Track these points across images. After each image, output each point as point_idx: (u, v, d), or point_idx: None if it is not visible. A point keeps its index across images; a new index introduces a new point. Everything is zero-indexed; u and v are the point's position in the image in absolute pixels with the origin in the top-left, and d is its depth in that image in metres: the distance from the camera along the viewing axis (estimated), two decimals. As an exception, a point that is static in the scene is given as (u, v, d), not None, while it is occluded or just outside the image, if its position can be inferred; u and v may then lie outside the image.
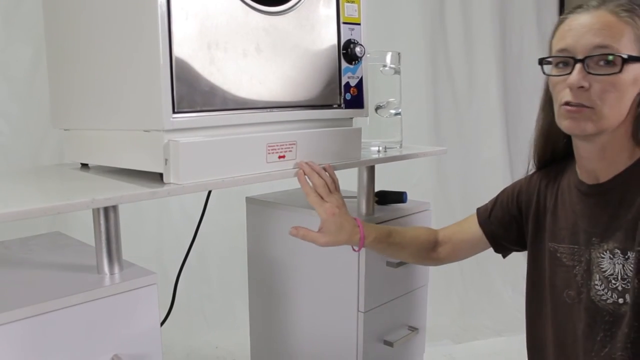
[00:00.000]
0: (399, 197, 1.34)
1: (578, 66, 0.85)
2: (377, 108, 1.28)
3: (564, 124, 0.88)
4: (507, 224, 1.10)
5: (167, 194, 0.84)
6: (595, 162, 0.91)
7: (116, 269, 0.87)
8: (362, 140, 1.21)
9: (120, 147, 0.96)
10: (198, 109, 0.87)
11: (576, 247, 0.94)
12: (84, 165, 1.11)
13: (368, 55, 1.12)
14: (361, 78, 1.11)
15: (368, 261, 1.20)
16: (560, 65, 0.89)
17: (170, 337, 2.05)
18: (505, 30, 2.78)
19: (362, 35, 1.11)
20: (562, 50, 0.88)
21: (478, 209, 1.16)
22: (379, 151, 1.28)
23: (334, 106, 1.08)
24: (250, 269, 1.48)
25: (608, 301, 0.88)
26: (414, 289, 1.34)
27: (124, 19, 0.87)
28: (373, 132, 1.29)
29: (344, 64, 1.08)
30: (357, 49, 1.08)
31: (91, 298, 0.80)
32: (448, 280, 2.58)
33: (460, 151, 2.70)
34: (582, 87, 0.84)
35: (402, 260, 1.22)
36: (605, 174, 0.90)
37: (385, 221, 1.25)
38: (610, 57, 0.83)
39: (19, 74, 1.85)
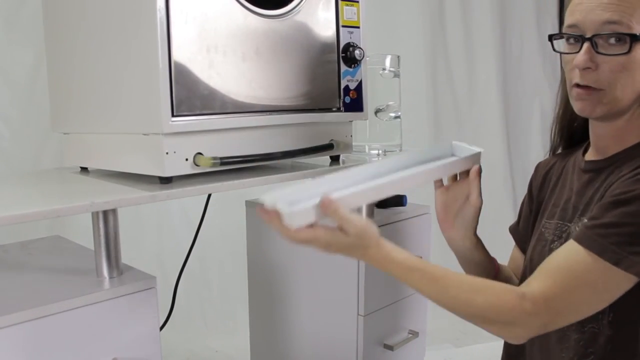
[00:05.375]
0: (398, 200, 1.34)
1: (586, 45, 0.79)
2: (377, 111, 1.28)
3: (576, 105, 0.83)
4: (530, 221, 1.02)
5: (167, 198, 0.84)
6: (607, 139, 0.86)
7: (115, 273, 0.87)
8: (362, 143, 1.22)
9: (119, 150, 0.96)
10: (197, 112, 0.87)
11: (561, 222, 0.90)
12: (84, 169, 1.11)
13: (367, 59, 1.12)
14: (360, 81, 1.11)
15: (368, 264, 1.20)
16: (572, 41, 0.82)
17: (169, 341, 2.04)
18: (505, 34, 2.78)
19: (362, 38, 1.11)
20: (571, 26, 0.81)
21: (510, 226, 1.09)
22: (378, 154, 1.28)
23: (334, 109, 1.08)
24: (250, 272, 1.48)
25: None
26: (414, 292, 1.34)
27: (123, 23, 0.88)
28: (373, 135, 1.29)
29: (344, 67, 1.08)
30: (357, 52, 1.08)
31: (90, 302, 0.80)
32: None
33: (460, 155, 2.70)
34: (589, 68, 0.79)
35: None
36: (612, 150, 0.85)
37: (386, 224, 1.25)
38: (618, 36, 0.76)
39: (19, 78, 1.85)
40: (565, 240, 0.85)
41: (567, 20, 0.82)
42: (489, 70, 2.73)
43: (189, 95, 0.86)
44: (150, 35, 0.82)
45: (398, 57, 1.30)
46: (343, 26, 1.08)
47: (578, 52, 0.80)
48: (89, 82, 0.98)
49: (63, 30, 1.04)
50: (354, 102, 1.10)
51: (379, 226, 1.22)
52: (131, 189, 0.86)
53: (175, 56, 0.83)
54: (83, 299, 0.79)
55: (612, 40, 0.77)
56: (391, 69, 1.29)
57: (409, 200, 1.36)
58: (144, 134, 0.88)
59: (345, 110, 1.09)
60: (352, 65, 1.09)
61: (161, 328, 0.93)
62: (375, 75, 1.26)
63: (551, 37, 0.86)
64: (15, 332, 0.74)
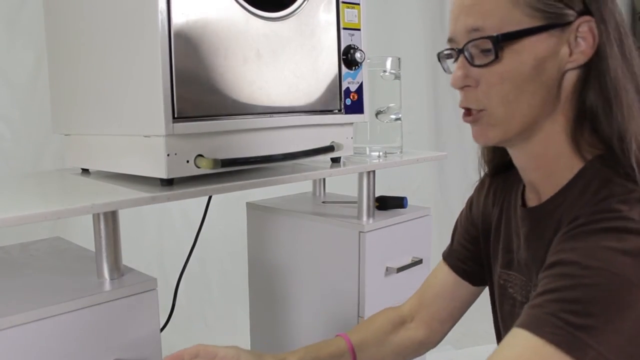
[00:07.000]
0: (399, 202, 1.34)
1: (459, 59, 0.67)
2: (378, 113, 1.28)
3: (472, 133, 0.70)
4: (472, 246, 0.90)
5: (167, 199, 0.84)
6: (530, 172, 0.72)
7: (116, 274, 0.87)
8: (362, 145, 1.21)
9: (120, 152, 0.96)
10: (198, 114, 0.87)
11: (524, 279, 0.76)
12: (85, 171, 1.11)
13: (368, 61, 1.13)
14: (361, 83, 1.11)
15: (368, 266, 1.20)
16: (453, 57, 0.70)
17: (170, 342, 2.04)
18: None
19: (362, 40, 1.11)
20: (449, 40, 0.69)
21: (444, 250, 0.97)
22: (379, 156, 1.28)
23: (334, 111, 1.08)
24: (250, 274, 1.48)
25: None
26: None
27: (125, 25, 0.88)
28: (373, 137, 1.29)
29: (344, 70, 1.08)
30: (357, 55, 1.08)
31: (91, 303, 0.80)
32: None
33: (461, 156, 2.70)
34: (468, 86, 0.67)
35: None
36: (545, 189, 0.71)
37: (386, 226, 1.25)
38: (479, 42, 0.64)
39: (20, 80, 1.85)
40: None
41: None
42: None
43: (190, 98, 0.86)
44: (151, 37, 0.82)
45: (399, 59, 1.30)
46: (344, 28, 1.08)
47: None
48: (90, 83, 0.98)
49: (64, 31, 1.04)
50: (355, 104, 1.11)
51: (380, 228, 1.24)
52: (132, 190, 0.86)
53: (177, 59, 0.83)
54: (84, 301, 0.79)
55: (480, 49, 0.65)
56: (392, 71, 1.29)
57: (409, 202, 1.36)
58: (145, 136, 0.88)
59: (346, 112, 1.09)
60: (353, 68, 1.09)
61: (162, 329, 0.93)
62: (376, 77, 1.26)
63: (439, 57, 0.73)
64: (15, 333, 0.74)
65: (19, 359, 0.74)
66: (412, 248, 1.33)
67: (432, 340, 0.96)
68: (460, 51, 0.67)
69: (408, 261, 1.30)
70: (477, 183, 0.91)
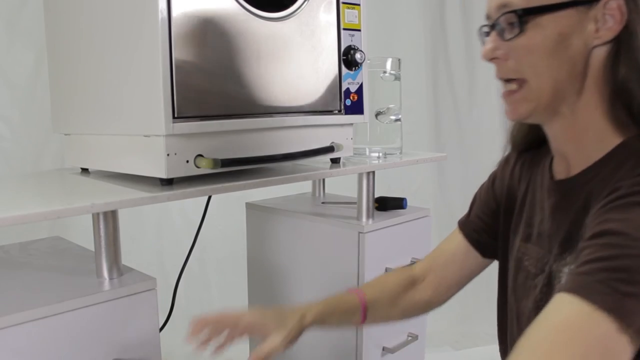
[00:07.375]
0: (399, 203, 1.34)
1: (492, 34, 0.71)
2: (377, 114, 1.28)
3: (505, 110, 0.74)
4: (489, 219, 0.93)
5: (167, 199, 0.84)
6: (563, 143, 0.74)
7: (115, 274, 0.87)
8: (362, 146, 1.21)
9: (120, 152, 0.96)
10: (198, 114, 0.87)
11: (542, 252, 0.78)
12: (84, 170, 1.11)
13: (368, 61, 1.13)
14: (361, 84, 1.12)
15: (368, 267, 1.20)
16: (487, 33, 0.74)
17: (169, 342, 2.04)
18: (505, 37, 2.79)
19: (363, 41, 1.11)
20: (486, 17, 0.73)
21: (460, 218, 1.00)
22: (379, 157, 1.28)
23: (334, 112, 1.08)
24: (250, 274, 1.48)
25: None
26: (414, 295, 1.34)
27: (125, 24, 0.88)
28: (373, 138, 1.29)
29: (344, 70, 1.09)
30: (357, 55, 1.08)
31: (90, 303, 0.80)
32: (448, 286, 2.56)
33: (460, 157, 2.70)
34: (496, 58, 0.71)
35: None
36: (576, 162, 0.72)
37: (386, 227, 1.25)
38: (506, 17, 0.68)
39: (20, 79, 1.86)
40: (549, 278, 0.75)
41: None
42: (490, 73, 2.73)
43: (190, 98, 0.86)
44: (151, 37, 0.82)
45: (399, 60, 1.30)
46: (344, 29, 1.08)
47: None
48: (90, 83, 0.98)
49: (64, 31, 1.05)
50: (355, 105, 1.11)
51: (380, 229, 1.24)
52: (132, 190, 0.86)
53: (177, 58, 0.83)
54: (83, 300, 0.79)
55: (509, 23, 0.68)
56: (392, 71, 1.29)
57: (409, 203, 1.36)
58: (145, 136, 0.88)
59: (346, 113, 1.09)
60: (353, 68, 1.09)
61: (161, 329, 0.93)
62: (375, 78, 1.26)
63: (479, 33, 0.77)
64: (15, 333, 0.74)
65: (18, 358, 0.74)
66: (412, 249, 1.33)
67: (438, 302, 0.99)
68: (492, 26, 0.71)
69: (407, 262, 1.30)
70: (501, 160, 0.94)
